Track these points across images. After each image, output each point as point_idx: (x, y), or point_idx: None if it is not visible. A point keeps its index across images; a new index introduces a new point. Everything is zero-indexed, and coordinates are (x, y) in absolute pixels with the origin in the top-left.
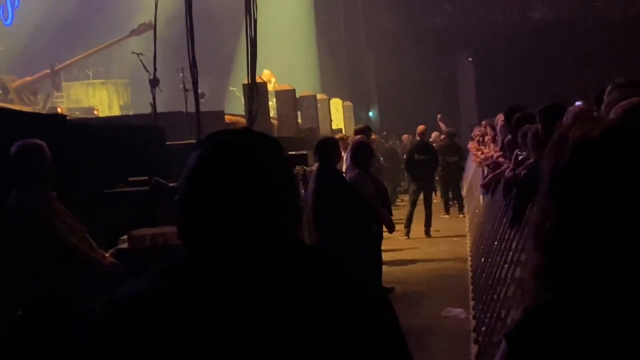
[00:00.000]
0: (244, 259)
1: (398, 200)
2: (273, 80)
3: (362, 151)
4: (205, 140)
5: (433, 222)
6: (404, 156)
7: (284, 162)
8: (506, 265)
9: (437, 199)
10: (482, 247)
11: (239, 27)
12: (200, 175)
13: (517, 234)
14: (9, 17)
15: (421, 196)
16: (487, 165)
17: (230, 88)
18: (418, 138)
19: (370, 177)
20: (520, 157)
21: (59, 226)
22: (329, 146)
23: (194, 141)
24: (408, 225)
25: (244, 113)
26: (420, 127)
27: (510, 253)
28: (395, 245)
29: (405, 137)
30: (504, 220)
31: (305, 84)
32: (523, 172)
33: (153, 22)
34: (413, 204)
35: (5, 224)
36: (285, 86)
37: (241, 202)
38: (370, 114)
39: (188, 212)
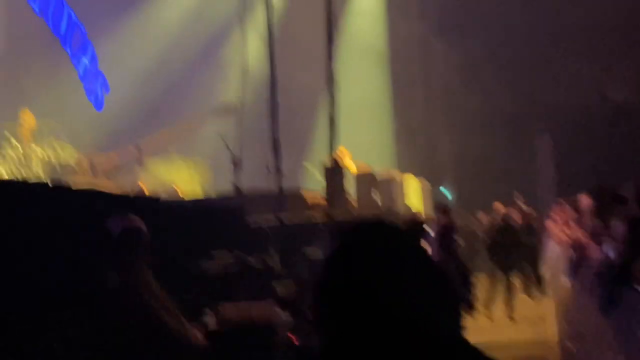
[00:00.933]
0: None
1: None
2: (349, 158)
3: (447, 232)
4: (339, 231)
5: (514, 302)
6: (482, 236)
7: (424, 253)
8: (602, 353)
9: (517, 280)
10: (569, 331)
11: (315, 102)
12: (341, 267)
13: (611, 319)
14: (98, 98)
15: (501, 276)
16: (573, 247)
17: (305, 164)
18: (496, 218)
19: (453, 258)
20: (608, 240)
21: (154, 305)
22: (415, 227)
23: (275, 219)
24: (489, 307)
25: (321, 190)
26: (498, 207)
27: (602, 338)
28: (477, 326)
29: (482, 216)
30: (595, 304)
31: (383, 163)
32: (615, 256)
33: (236, 102)
34: (493, 285)
35: (104, 303)
36: (364, 165)
37: (387, 294)
38: (448, 193)
39: (326, 300)
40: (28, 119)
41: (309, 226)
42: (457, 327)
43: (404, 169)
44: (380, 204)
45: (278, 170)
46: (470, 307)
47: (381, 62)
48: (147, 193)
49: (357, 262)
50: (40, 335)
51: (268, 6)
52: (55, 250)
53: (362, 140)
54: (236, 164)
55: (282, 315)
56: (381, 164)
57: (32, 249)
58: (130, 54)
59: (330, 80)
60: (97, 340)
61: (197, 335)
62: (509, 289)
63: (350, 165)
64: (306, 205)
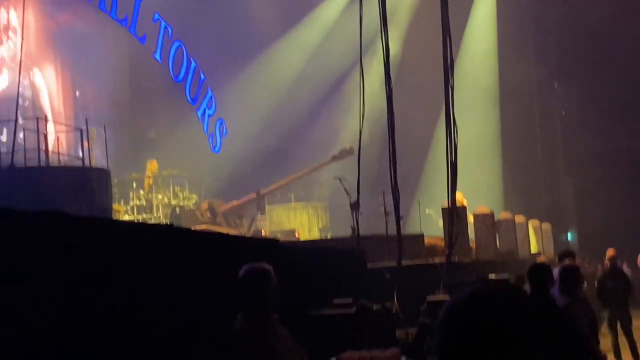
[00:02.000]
0: None
1: (603, 327)
2: (465, 202)
3: (573, 277)
4: (465, 288)
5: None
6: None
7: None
8: None
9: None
10: None
11: (426, 148)
12: (468, 328)
13: None
14: (217, 144)
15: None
16: None
17: (427, 211)
18: (608, 263)
19: (580, 305)
20: None
21: (280, 350)
22: (542, 272)
23: (395, 264)
24: (617, 355)
25: (440, 235)
26: (610, 252)
27: None
28: None
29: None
30: None
31: (501, 206)
32: None
33: (353, 147)
34: (614, 332)
35: (236, 347)
36: (483, 209)
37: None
38: (569, 236)
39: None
40: (152, 168)
41: (430, 270)
42: None
43: (520, 211)
44: (499, 246)
45: (397, 213)
46: (598, 356)
47: (494, 104)
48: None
49: (483, 325)
50: None
51: (386, 50)
52: (179, 290)
53: (476, 182)
54: (354, 207)
55: None
56: (494, 206)
57: (157, 289)
58: (249, 101)
59: (449, 124)
60: None
61: None
62: (628, 334)
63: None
64: (425, 249)
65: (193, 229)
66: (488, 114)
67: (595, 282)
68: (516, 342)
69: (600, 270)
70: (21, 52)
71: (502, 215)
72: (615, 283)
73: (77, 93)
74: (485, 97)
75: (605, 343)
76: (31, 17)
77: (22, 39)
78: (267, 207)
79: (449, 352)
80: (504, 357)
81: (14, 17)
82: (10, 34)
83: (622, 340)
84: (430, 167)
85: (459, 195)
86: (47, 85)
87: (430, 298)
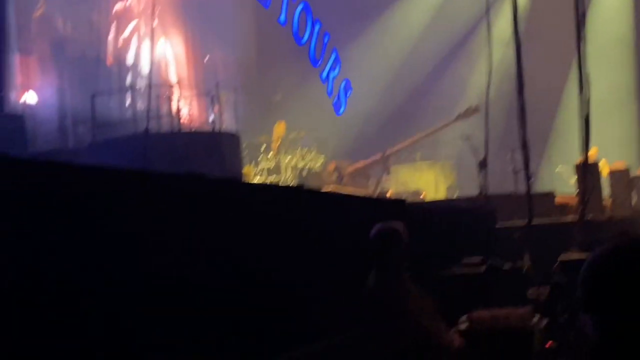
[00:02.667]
0: None
1: None
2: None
3: None
4: (607, 246)
5: None
6: None
7: None
8: None
9: None
10: None
11: (558, 101)
12: (611, 281)
13: None
14: (342, 105)
15: None
16: None
17: (557, 169)
18: None
19: None
20: None
21: (413, 307)
22: None
23: (525, 223)
24: None
25: (571, 193)
26: None
27: None
28: None
29: None
30: None
31: (637, 162)
32: None
33: (479, 105)
34: None
35: (365, 304)
36: (619, 165)
37: None
38: None
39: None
40: (279, 131)
41: (562, 229)
42: None
43: None
44: (635, 203)
45: (527, 171)
46: None
47: (628, 55)
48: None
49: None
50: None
51: (514, 5)
52: (308, 250)
53: (609, 137)
54: (482, 166)
55: (538, 321)
56: (631, 162)
57: (288, 250)
58: (373, 60)
59: (582, 79)
60: (355, 341)
61: (455, 339)
62: None
63: (604, 165)
64: (556, 208)
65: (321, 190)
66: (623, 66)
67: None
68: None
69: None
70: (152, 21)
71: (638, 170)
72: None
73: (207, 58)
74: (619, 47)
75: None
76: None
77: (153, 7)
78: (392, 167)
79: (592, 305)
80: None
81: None
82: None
83: None
84: (561, 122)
85: (592, 151)
86: (176, 53)
87: (563, 257)
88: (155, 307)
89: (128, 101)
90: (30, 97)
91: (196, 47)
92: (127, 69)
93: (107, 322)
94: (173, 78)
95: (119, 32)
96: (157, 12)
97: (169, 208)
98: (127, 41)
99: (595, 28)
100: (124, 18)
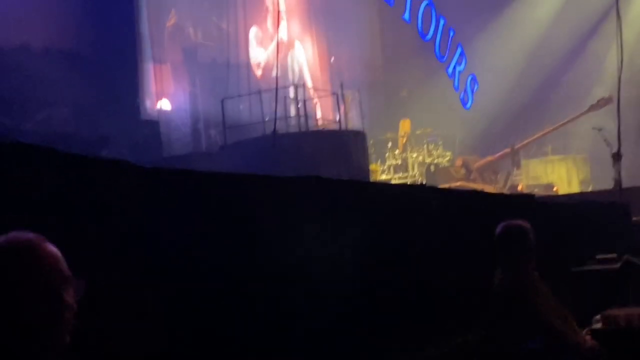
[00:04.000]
0: None
1: None
2: None
3: None
4: None
5: None
6: None
7: None
8: None
9: None
10: None
11: None
12: None
13: None
14: (469, 100)
15: None
16: None
17: None
18: None
19: None
20: None
21: (542, 307)
22: None
23: None
24: None
25: None
26: None
27: None
28: None
29: None
30: None
31: None
32: None
33: (612, 96)
34: None
35: (490, 302)
36: None
37: None
38: None
39: None
40: (405, 127)
41: None
42: None
43: None
44: None
45: None
46: None
47: None
48: (523, 192)
49: None
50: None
51: None
52: (436, 248)
53: None
54: (617, 158)
55: None
56: None
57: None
58: (500, 54)
59: None
60: (483, 341)
61: (587, 339)
62: None
63: None
64: None
65: (449, 186)
66: None
67: None
68: None
69: None
70: (277, 24)
71: None
72: None
73: (332, 59)
74: None
75: None
76: None
77: (278, 13)
78: (522, 161)
79: None
80: None
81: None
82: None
83: None
84: None
85: None
86: (307, 56)
87: None
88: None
89: (257, 104)
90: (165, 104)
91: (323, 48)
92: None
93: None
94: (308, 81)
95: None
96: (285, 17)
97: (291, 212)
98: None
99: None
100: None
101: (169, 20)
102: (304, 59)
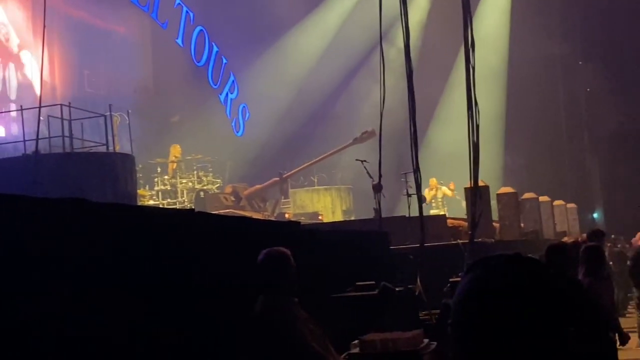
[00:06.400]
0: None
1: (630, 306)
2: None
3: (595, 256)
4: (479, 265)
5: None
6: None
7: (562, 292)
8: None
9: None
10: None
11: (457, 128)
12: (474, 304)
13: None
14: (241, 128)
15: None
16: None
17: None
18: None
19: (603, 284)
20: None
21: (301, 332)
22: (557, 253)
23: (418, 245)
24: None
25: (464, 216)
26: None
27: None
28: (631, 356)
29: (635, 240)
30: None
31: (527, 187)
32: None
33: (375, 129)
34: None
35: (256, 329)
36: (507, 189)
37: (524, 334)
38: (595, 215)
39: (467, 340)
40: (176, 153)
41: (453, 251)
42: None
43: (545, 192)
44: (523, 226)
45: (419, 194)
46: (621, 334)
47: (502, 84)
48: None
49: (495, 299)
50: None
51: (406, 33)
52: (202, 273)
53: (499, 163)
54: (377, 190)
55: (427, 344)
56: (518, 187)
57: (180, 273)
58: (271, 85)
59: (471, 105)
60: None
61: None
62: None
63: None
64: (449, 230)
65: (217, 213)
66: (494, 95)
67: (629, 261)
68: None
69: (630, 250)
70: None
71: (526, 195)
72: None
73: (101, 80)
74: (493, 77)
75: (630, 322)
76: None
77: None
78: (290, 190)
79: (460, 330)
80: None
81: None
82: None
83: None
84: (454, 147)
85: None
86: (63, 73)
87: (453, 279)
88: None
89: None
90: None
91: (80, 66)
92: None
93: None
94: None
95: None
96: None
97: (51, 234)
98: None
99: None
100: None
101: None
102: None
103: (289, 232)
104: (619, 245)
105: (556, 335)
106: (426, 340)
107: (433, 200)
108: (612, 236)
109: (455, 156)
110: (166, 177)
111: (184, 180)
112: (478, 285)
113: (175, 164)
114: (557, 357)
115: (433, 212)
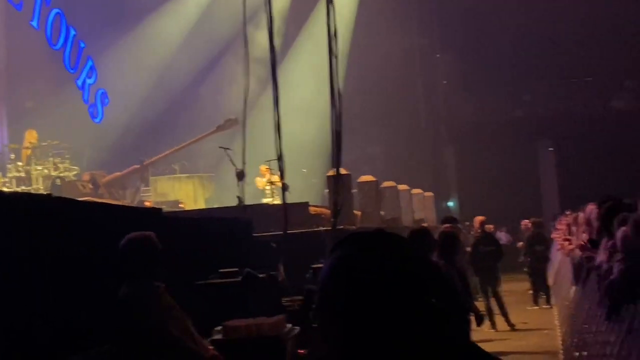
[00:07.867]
0: None
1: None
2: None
3: (449, 242)
4: (343, 243)
5: (520, 313)
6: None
7: (426, 264)
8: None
9: (523, 290)
10: (575, 340)
11: (317, 117)
12: (342, 279)
13: (614, 326)
14: (99, 114)
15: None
16: (579, 257)
17: (303, 170)
18: (479, 229)
19: (456, 269)
20: (614, 250)
21: (163, 318)
22: (419, 236)
23: (281, 232)
24: (491, 317)
25: (325, 203)
26: (479, 218)
27: (608, 347)
28: (483, 337)
29: (490, 227)
30: (599, 312)
31: (386, 175)
32: (617, 270)
33: (238, 118)
34: (486, 296)
35: (115, 315)
36: (368, 177)
37: (387, 307)
38: (450, 204)
39: (332, 312)
40: (31, 138)
41: (315, 238)
42: (464, 335)
43: (404, 180)
44: (383, 214)
45: (283, 182)
46: (477, 316)
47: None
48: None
49: (361, 273)
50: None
51: (270, 20)
52: (61, 259)
53: (369, 154)
54: (240, 177)
55: (290, 329)
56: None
57: (38, 260)
58: (130, 71)
59: (334, 95)
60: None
61: (207, 347)
62: (498, 298)
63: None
64: (311, 217)
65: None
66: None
67: (469, 247)
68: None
69: (472, 237)
70: None
71: (385, 183)
72: (488, 248)
73: None
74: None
75: (478, 306)
76: None
77: None
78: (151, 178)
79: (324, 310)
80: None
81: None
82: None
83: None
84: (316, 136)
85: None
86: None
87: (315, 265)
88: None
89: None
90: None
91: None
92: None
93: None
94: None
95: None
96: None
97: None
98: None
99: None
100: None
101: None
102: None
103: (150, 219)
104: (471, 232)
105: (421, 306)
106: (289, 325)
107: (267, 188)
108: (467, 223)
109: (314, 144)
110: (20, 163)
111: (39, 167)
112: (346, 262)
113: (29, 150)
114: (421, 328)
115: (266, 200)
